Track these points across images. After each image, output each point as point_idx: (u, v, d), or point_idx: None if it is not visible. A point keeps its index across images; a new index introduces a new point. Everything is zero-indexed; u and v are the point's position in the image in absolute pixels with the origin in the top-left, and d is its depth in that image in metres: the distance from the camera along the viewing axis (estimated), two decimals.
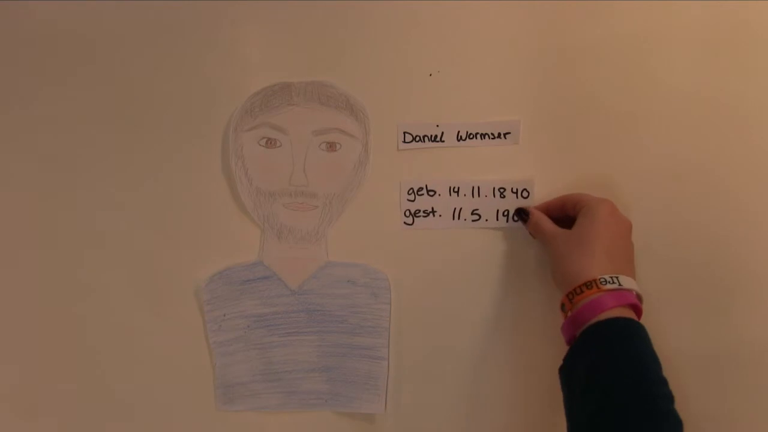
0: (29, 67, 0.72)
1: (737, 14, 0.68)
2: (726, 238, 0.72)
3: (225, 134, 0.73)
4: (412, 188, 0.73)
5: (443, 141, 0.72)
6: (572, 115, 0.71)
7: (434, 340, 0.75)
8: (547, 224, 0.69)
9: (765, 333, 0.73)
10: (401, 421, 0.77)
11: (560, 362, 0.63)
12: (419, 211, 0.74)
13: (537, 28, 0.70)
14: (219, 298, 0.75)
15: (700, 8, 0.69)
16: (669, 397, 0.57)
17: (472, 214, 0.73)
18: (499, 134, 0.72)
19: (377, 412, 0.76)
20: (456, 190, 0.73)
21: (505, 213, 0.73)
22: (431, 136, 0.72)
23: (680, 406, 0.56)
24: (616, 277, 0.61)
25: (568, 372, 0.62)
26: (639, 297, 0.63)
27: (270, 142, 0.73)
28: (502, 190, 0.73)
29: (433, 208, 0.74)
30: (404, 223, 0.74)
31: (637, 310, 0.62)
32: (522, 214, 0.72)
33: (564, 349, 0.63)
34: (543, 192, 0.73)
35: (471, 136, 0.72)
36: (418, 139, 0.72)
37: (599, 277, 0.61)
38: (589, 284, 0.61)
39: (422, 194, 0.73)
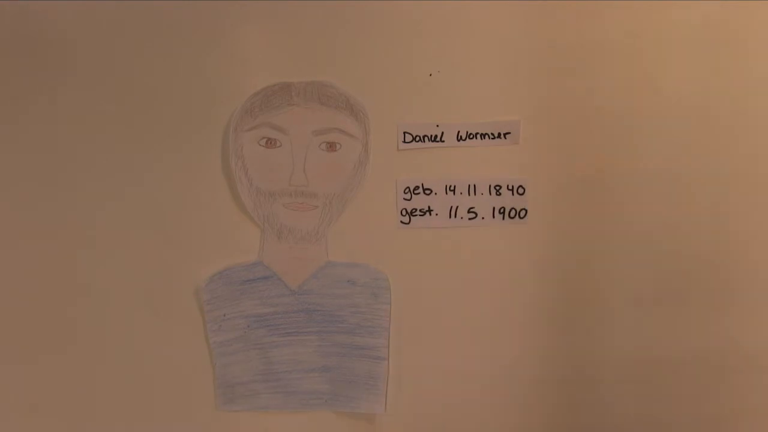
0: (29, 67, 0.72)
1: (735, 15, 0.69)
2: (725, 237, 0.72)
3: (225, 134, 0.73)
4: (408, 187, 0.73)
5: (443, 141, 0.72)
6: (572, 115, 0.71)
7: (434, 340, 0.76)
8: None
9: (762, 334, 0.73)
10: (401, 421, 0.77)
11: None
12: (416, 209, 0.74)
13: (537, 29, 0.70)
14: (219, 298, 0.75)
15: (698, 9, 0.69)
16: None
17: (469, 212, 0.74)
18: (499, 134, 0.72)
19: (377, 412, 0.76)
20: (452, 188, 0.73)
21: (501, 210, 0.73)
22: (431, 136, 0.72)
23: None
24: None
25: None
26: None
27: (270, 142, 0.73)
28: (497, 188, 0.73)
29: (429, 207, 0.74)
30: (401, 221, 0.74)
31: None
32: None
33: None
34: (543, 191, 0.73)
35: (471, 136, 0.72)
36: (418, 139, 0.72)
37: None
38: None
39: (418, 193, 0.73)
